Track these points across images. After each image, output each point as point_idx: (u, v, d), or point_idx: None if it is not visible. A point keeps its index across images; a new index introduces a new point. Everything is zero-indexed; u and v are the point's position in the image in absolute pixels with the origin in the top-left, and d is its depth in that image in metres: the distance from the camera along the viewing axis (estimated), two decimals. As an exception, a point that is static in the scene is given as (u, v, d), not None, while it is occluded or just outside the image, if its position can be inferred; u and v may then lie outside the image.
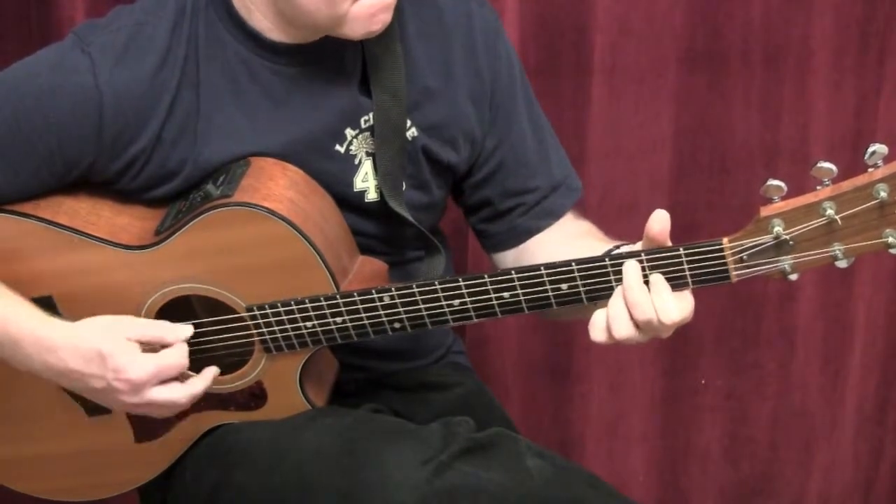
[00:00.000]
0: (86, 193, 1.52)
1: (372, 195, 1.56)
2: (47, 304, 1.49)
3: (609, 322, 1.37)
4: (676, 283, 1.36)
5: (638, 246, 1.39)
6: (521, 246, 1.64)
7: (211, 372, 1.50)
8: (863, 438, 2.42)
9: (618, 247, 1.46)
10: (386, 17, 1.45)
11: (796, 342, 2.33)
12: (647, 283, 1.36)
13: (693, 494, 2.42)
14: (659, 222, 1.36)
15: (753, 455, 2.40)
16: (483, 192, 1.64)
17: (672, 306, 1.35)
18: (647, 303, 1.35)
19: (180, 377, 1.47)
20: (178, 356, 1.46)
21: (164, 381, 1.45)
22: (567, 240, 1.60)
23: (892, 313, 2.34)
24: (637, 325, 1.36)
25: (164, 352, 1.45)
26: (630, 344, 1.38)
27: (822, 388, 2.36)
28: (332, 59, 1.51)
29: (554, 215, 1.64)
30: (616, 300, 1.36)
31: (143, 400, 1.45)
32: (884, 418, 2.42)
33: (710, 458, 2.40)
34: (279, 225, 1.43)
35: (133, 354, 1.44)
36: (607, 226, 1.63)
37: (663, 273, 1.35)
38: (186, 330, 1.47)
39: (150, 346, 1.46)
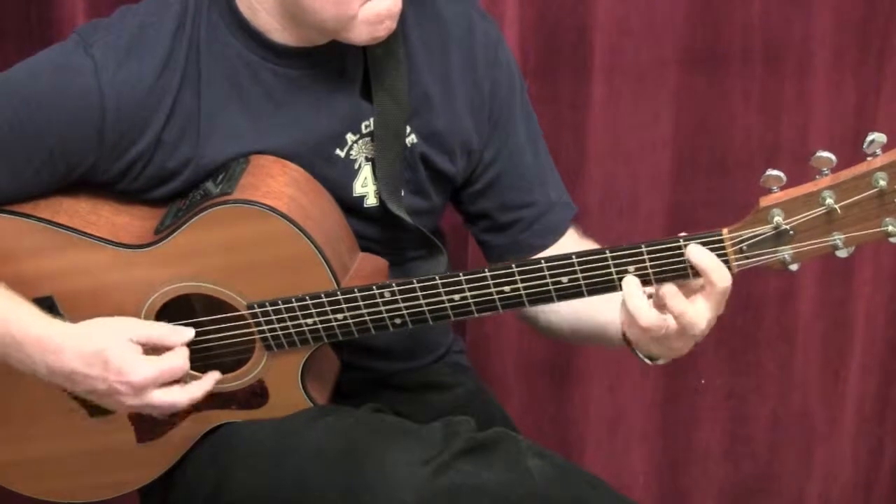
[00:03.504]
0: (85, 193, 1.52)
1: (371, 200, 1.56)
2: (48, 304, 1.49)
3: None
4: (678, 275, 1.36)
5: None
6: None
7: (212, 377, 1.50)
8: (863, 438, 2.42)
9: None
10: (391, 25, 1.45)
11: (796, 342, 2.33)
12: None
13: (693, 494, 2.41)
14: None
15: (753, 455, 2.40)
16: (482, 203, 1.64)
17: (645, 305, 1.35)
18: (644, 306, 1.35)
19: (181, 379, 1.47)
20: (179, 360, 1.45)
21: (164, 384, 1.45)
22: None
23: (891, 313, 2.34)
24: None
25: (165, 355, 1.45)
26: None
27: (822, 388, 2.36)
28: (334, 63, 1.51)
29: (556, 232, 1.64)
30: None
31: (143, 402, 1.45)
32: (884, 418, 2.41)
33: (710, 458, 2.39)
34: (279, 222, 1.43)
35: (135, 357, 1.44)
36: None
37: (664, 264, 1.35)
38: (188, 333, 1.47)
39: (152, 348, 1.46)
